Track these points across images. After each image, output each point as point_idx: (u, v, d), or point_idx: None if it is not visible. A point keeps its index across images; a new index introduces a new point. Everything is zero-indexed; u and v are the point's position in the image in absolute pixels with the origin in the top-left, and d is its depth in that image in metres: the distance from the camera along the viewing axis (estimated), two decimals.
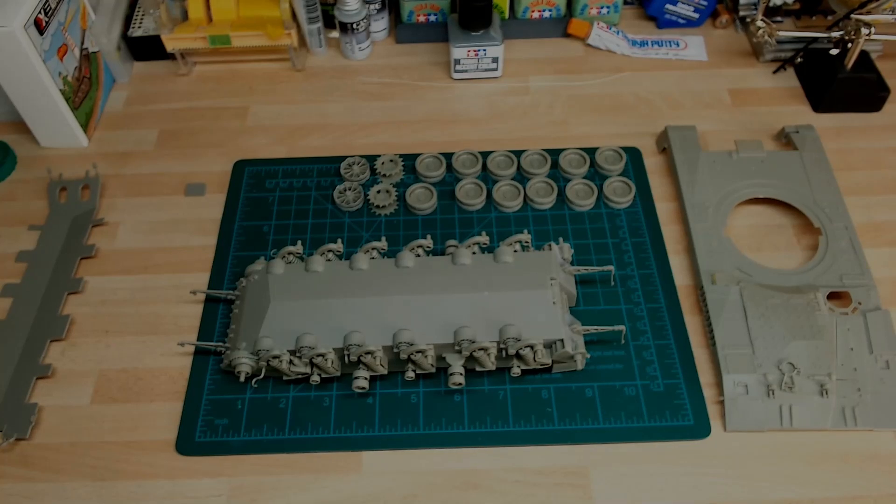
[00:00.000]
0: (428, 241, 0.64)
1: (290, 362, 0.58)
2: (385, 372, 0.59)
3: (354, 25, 0.84)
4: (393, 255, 0.66)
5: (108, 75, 0.86)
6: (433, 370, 0.59)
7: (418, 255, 0.64)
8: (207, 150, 0.80)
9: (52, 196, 0.75)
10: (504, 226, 0.71)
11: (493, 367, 0.59)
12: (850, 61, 0.77)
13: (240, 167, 0.77)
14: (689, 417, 0.58)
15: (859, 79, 0.78)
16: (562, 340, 0.57)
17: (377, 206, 0.72)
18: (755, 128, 0.80)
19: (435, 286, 0.59)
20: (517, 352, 0.57)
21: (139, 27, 0.88)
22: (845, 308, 0.63)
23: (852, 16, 0.75)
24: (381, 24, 0.90)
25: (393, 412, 0.59)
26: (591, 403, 0.59)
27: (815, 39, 0.81)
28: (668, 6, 0.89)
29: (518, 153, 0.76)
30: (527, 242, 0.65)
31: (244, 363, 0.58)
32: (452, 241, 0.66)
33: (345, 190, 0.74)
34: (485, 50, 0.83)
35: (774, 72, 0.85)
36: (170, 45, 0.84)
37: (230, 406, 0.60)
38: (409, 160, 0.76)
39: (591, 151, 0.76)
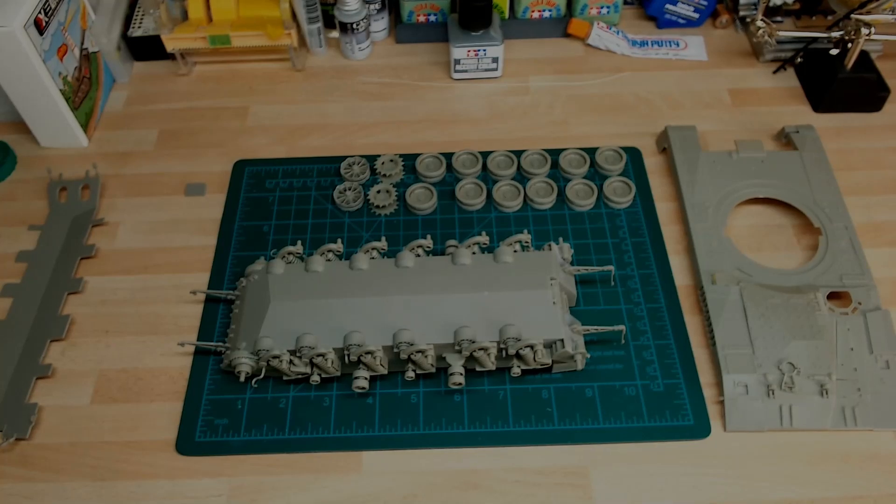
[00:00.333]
0: (428, 241, 0.64)
1: (290, 362, 0.58)
2: (385, 372, 0.59)
3: (354, 25, 0.84)
4: (393, 255, 0.66)
5: (108, 75, 0.86)
6: (433, 370, 0.59)
7: (418, 255, 0.64)
8: (207, 150, 0.80)
9: (52, 196, 0.75)
10: (504, 226, 0.71)
11: (493, 367, 0.59)
12: (850, 61, 0.77)
13: (240, 167, 0.77)
14: (689, 417, 0.58)
15: (859, 79, 0.78)
16: (562, 340, 0.57)
17: (377, 206, 0.72)
18: (755, 128, 0.80)
19: (435, 286, 0.59)
20: (517, 352, 0.57)
21: (139, 27, 0.88)
22: (845, 308, 0.63)
23: (852, 16, 0.75)
24: (381, 24, 0.90)
25: (393, 412, 0.59)
26: (591, 403, 0.59)
27: (815, 39, 0.81)
28: (668, 6, 0.89)
29: (518, 153, 0.76)
30: (527, 242, 0.65)
31: (244, 363, 0.58)
32: (452, 241, 0.66)
33: (345, 190, 0.74)
34: (485, 50, 0.83)
35: (774, 72, 0.85)
36: (170, 45, 0.84)
37: (230, 406, 0.60)
38: (409, 160, 0.76)
39: (591, 151, 0.76)
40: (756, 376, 0.59)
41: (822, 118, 0.80)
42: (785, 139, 0.77)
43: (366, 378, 0.58)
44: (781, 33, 0.81)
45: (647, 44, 0.89)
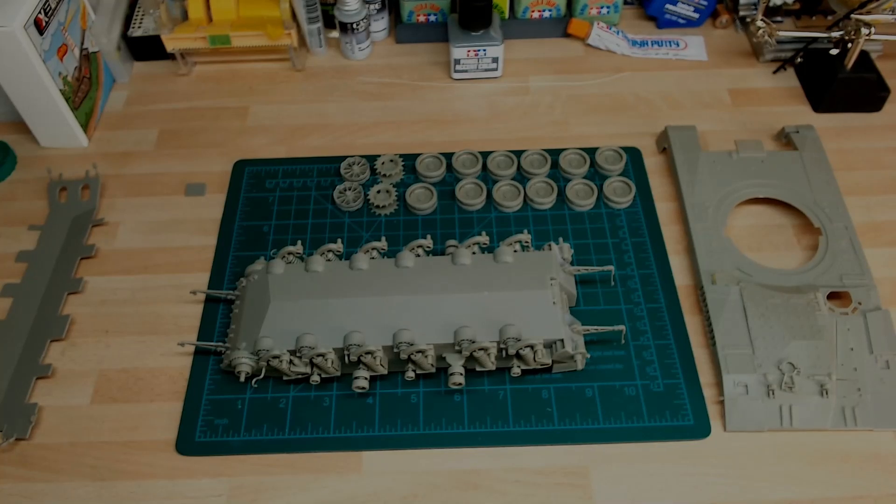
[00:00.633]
0: (428, 241, 0.64)
1: (290, 362, 0.58)
2: (385, 372, 0.59)
3: (354, 25, 0.84)
4: (393, 255, 0.66)
5: (108, 75, 0.86)
6: (433, 370, 0.59)
7: (418, 255, 0.64)
8: (207, 150, 0.80)
9: (52, 196, 0.75)
10: (504, 226, 0.71)
11: (493, 367, 0.59)
12: (850, 61, 0.77)
13: (240, 167, 0.77)
14: (689, 417, 0.58)
15: (859, 79, 0.78)
16: (562, 340, 0.57)
17: (377, 206, 0.72)
18: (755, 128, 0.80)
19: (435, 286, 0.59)
20: (517, 352, 0.57)
21: (139, 27, 0.88)
22: (845, 308, 0.63)
23: (852, 16, 0.75)
24: (381, 24, 0.90)
25: (393, 412, 0.59)
26: (591, 403, 0.59)
27: (815, 39, 0.81)
28: (668, 6, 0.89)
29: (518, 153, 0.76)
30: (527, 242, 0.65)
31: (244, 363, 0.58)
32: (452, 241, 0.66)
33: (345, 190, 0.74)
34: (485, 50, 0.83)
35: (774, 72, 0.85)
36: (170, 45, 0.84)
37: (230, 406, 0.60)
38: (409, 160, 0.76)
39: (591, 151, 0.76)
40: (756, 376, 0.59)
41: (822, 118, 0.80)
42: (785, 139, 0.77)
43: (366, 378, 0.58)
44: (781, 33, 0.81)
45: (647, 44, 0.89)
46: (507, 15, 0.89)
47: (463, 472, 0.56)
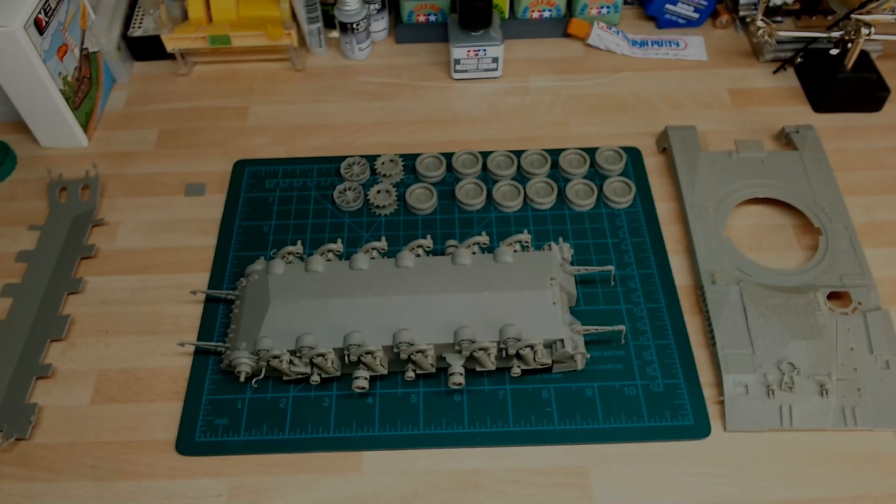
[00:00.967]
0: (428, 241, 0.64)
1: (290, 362, 0.58)
2: (385, 372, 0.59)
3: (354, 25, 0.84)
4: (393, 255, 0.66)
5: (108, 75, 0.86)
6: (433, 370, 0.59)
7: (418, 255, 0.64)
8: (207, 150, 0.80)
9: (52, 196, 0.75)
10: (504, 226, 0.71)
11: (493, 367, 0.59)
12: (850, 61, 0.77)
13: (240, 167, 0.77)
14: (689, 417, 0.58)
15: (859, 79, 0.78)
16: (562, 340, 0.57)
17: (377, 206, 0.72)
18: (755, 128, 0.80)
19: (435, 286, 0.59)
20: (517, 352, 0.57)
21: (139, 27, 0.88)
22: (845, 308, 0.63)
23: (852, 16, 0.75)
24: (381, 24, 0.90)
25: (393, 412, 0.59)
26: (591, 403, 0.59)
27: (815, 39, 0.81)
28: (668, 6, 0.89)
29: (518, 153, 0.76)
30: (527, 242, 0.65)
31: (244, 363, 0.58)
32: (452, 241, 0.66)
33: (345, 190, 0.74)
34: (485, 50, 0.83)
35: (774, 72, 0.85)
36: (170, 45, 0.84)
37: (230, 406, 0.60)
38: (409, 160, 0.76)
39: (591, 151, 0.76)
40: (756, 376, 0.59)
41: (822, 118, 0.80)
42: (785, 139, 0.77)
43: (366, 378, 0.58)
44: (781, 33, 0.81)
45: (647, 44, 0.89)
46: (507, 15, 0.89)
47: (463, 472, 0.56)
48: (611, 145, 0.76)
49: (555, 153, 0.76)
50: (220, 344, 0.62)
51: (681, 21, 0.90)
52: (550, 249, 0.63)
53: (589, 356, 0.59)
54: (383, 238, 0.66)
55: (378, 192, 0.73)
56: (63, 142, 0.80)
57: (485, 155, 0.76)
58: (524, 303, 0.58)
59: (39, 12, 0.71)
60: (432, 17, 0.89)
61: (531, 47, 0.90)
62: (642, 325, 0.64)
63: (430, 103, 0.84)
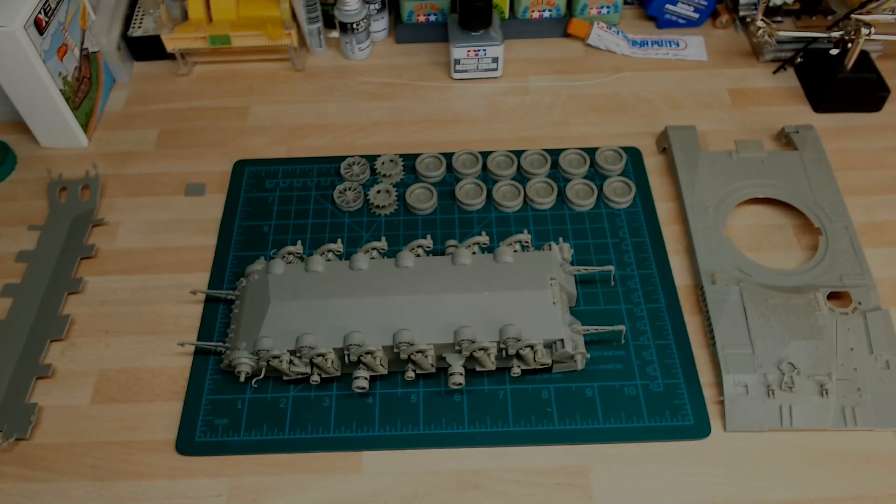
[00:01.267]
0: (428, 241, 0.64)
1: (290, 362, 0.58)
2: (385, 372, 0.59)
3: (354, 25, 0.84)
4: (393, 255, 0.66)
5: (108, 75, 0.86)
6: (433, 370, 0.59)
7: (418, 255, 0.64)
8: (207, 150, 0.80)
9: (52, 196, 0.75)
10: (504, 226, 0.71)
11: (493, 367, 0.59)
12: (850, 61, 0.77)
13: (240, 167, 0.77)
14: (689, 417, 0.58)
15: (859, 79, 0.78)
16: (562, 340, 0.57)
17: (377, 206, 0.72)
18: (755, 128, 0.80)
19: (435, 286, 0.59)
20: (517, 352, 0.57)
21: (139, 27, 0.88)
22: (845, 308, 0.63)
23: (852, 16, 0.75)
24: (381, 24, 0.90)
25: (393, 412, 0.59)
26: (591, 403, 0.59)
27: (815, 39, 0.81)
28: (668, 6, 0.89)
29: (518, 153, 0.76)
30: (527, 242, 0.65)
31: (244, 363, 0.58)
32: (452, 241, 0.66)
33: (345, 190, 0.74)
34: (485, 50, 0.83)
35: (774, 72, 0.85)
36: (170, 45, 0.84)
37: (230, 406, 0.60)
38: (409, 160, 0.76)
39: (591, 151, 0.76)
40: (756, 376, 0.59)
41: (822, 118, 0.80)
42: (785, 139, 0.77)
43: (366, 378, 0.58)
44: (781, 33, 0.81)
45: (647, 44, 0.89)
46: (507, 15, 0.89)
47: (463, 472, 0.56)
48: (611, 145, 0.76)
49: (555, 153, 0.76)
50: (220, 344, 0.62)
51: (681, 21, 0.90)
52: (550, 249, 0.63)
53: (589, 356, 0.59)
54: (383, 238, 0.66)
55: (378, 192, 0.73)
56: (63, 142, 0.80)
57: (485, 155, 0.76)
58: (524, 303, 0.58)
59: (39, 12, 0.71)
60: (432, 17, 0.89)
61: (531, 47, 0.90)
62: (642, 325, 0.64)
63: (430, 103, 0.84)
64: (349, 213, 0.73)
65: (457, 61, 0.84)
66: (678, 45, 0.88)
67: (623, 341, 0.63)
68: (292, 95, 0.85)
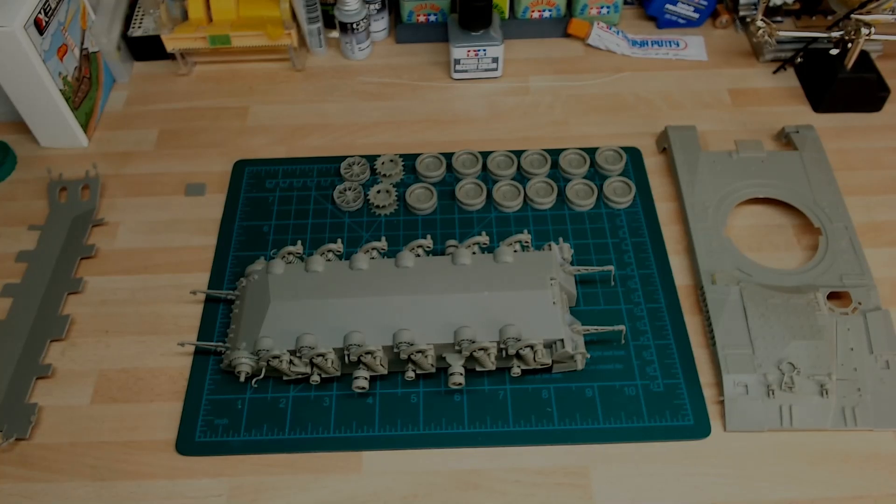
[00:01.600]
0: (428, 241, 0.64)
1: (290, 362, 0.58)
2: (385, 372, 0.59)
3: (354, 25, 0.84)
4: (393, 255, 0.66)
5: (108, 75, 0.86)
6: (433, 370, 0.59)
7: (418, 255, 0.64)
8: (207, 150, 0.80)
9: (52, 196, 0.75)
10: (504, 226, 0.71)
11: (493, 367, 0.59)
12: (850, 61, 0.77)
13: (240, 167, 0.77)
14: (689, 417, 0.58)
15: (859, 79, 0.78)
16: (562, 340, 0.57)
17: (377, 206, 0.72)
18: (755, 128, 0.80)
19: (435, 286, 0.59)
20: (517, 352, 0.57)
21: (139, 27, 0.88)
22: (845, 308, 0.63)
23: (852, 16, 0.75)
24: (381, 24, 0.90)
25: (393, 412, 0.59)
26: (591, 403, 0.59)
27: (815, 39, 0.81)
28: (668, 6, 0.89)
29: (518, 153, 0.76)
30: (527, 242, 0.65)
31: (244, 363, 0.58)
32: (452, 241, 0.66)
33: (345, 190, 0.74)
34: (485, 50, 0.83)
35: (774, 72, 0.85)
36: (170, 45, 0.84)
37: (230, 406, 0.60)
38: (409, 160, 0.76)
39: (591, 151, 0.76)
40: (756, 376, 0.59)
41: (822, 118, 0.80)
42: (785, 139, 0.77)
43: (366, 378, 0.58)
44: (781, 33, 0.81)
45: (647, 44, 0.89)
46: (507, 15, 0.89)
47: (463, 472, 0.56)
48: (611, 145, 0.76)
49: (555, 153, 0.76)
50: (220, 344, 0.62)
51: (681, 21, 0.90)
52: (550, 249, 0.63)
53: (589, 356, 0.59)
54: (383, 238, 0.66)
55: (378, 192, 0.73)
56: (63, 142, 0.80)
57: (485, 155, 0.76)
58: (524, 303, 0.58)
59: (39, 12, 0.71)
60: (432, 17, 0.89)
61: (531, 47, 0.90)
62: (642, 325, 0.64)
63: (430, 103, 0.84)
64: (349, 213, 0.73)
65: (457, 61, 0.84)
66: (678, 45, 0.88)
67: (623, 341, 0.63)
68: (292, 95, 0.85)
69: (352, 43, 0.87)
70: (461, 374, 0.57)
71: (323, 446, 0.58)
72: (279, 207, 0.73)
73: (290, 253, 0.65)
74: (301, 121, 0.82)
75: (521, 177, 0.75)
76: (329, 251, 0.64)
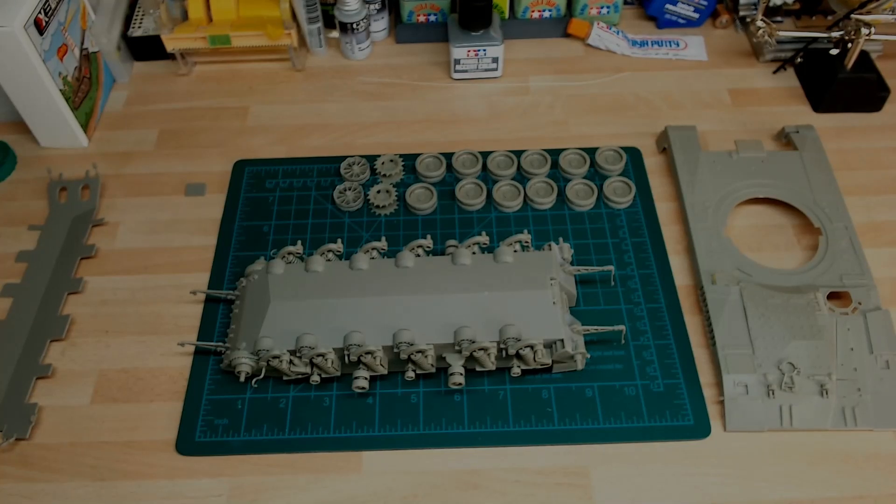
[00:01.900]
0: (428, 241, 0.64)
1: (290, 362, 0.58)
2: (385, 372, 0.59)
3: (354, 25, 0.84)
4: (393, 255, 0.66)
5: (108, 75, 0.86)
6: (433, 370, 0.59)
7: (418, 255, 0.64)
8: (207, 150, 0.80)
9: (52, 196, 0.75)
10: (504, 226, 0.71)
11: (493, 367, 0.59)
12: (850, 61, 0.77)
13: (240, 167, 0.77)
14: (689, 417, 0.58)
15: (859, 79, 0.78)
16: (562, 340, 0.57)
17: (377, 206, 0.72)
18: (755, 128, 0.80)
19: (435, 286, 0.59)
20: (517, 352, 0.57)
21: (139, 27, 0.88)
22: (845, 308, 0.63)
23: (852, 16, 0.75)
24: (381, 24, 0.90)
25: (393, 412, 0.59)
26: (591, 403, 0.59)
27: (815, 39, 0.81)
28: (668, 6, 0.89)
29: (518, 153, 0.76)
30: (527, 242, 0.65)
31: (244, 363, 0.58)
32: (452, 241, 0.66)
33: (345, 190, 0.74)
34: (485, 50, 0.83)
35: (774, 72, 0.85)
36: (170, 45, 0.84)
37: (230, 406, 0.60)
38: (409, 160, 0.76)
39: (591, 151, 0.76)
40: (756, 376, 0.59)
41: (822, 118, 0.80)
42: (785, 139, 0.77)
43: (366, 378, 0.58)
44: (781, 33, 0.81)
45: (647, 44, 0.89)
46: (507, 15, 0.89)
47: (463, 472, 0.56)
48: (611, 145, 0.76)
49: (555, 153, 0.76)
50: (220, 344, 0.62)
51: (681, 21, 0.90)
52: (550, 249, 0.63)
53: (589, 356, 0.59)
54: (383, 238, 0.66)
55: (378, 192, 0.73)
56: (63, 142, 0.80)
57: (485, 155, 0.76)
58: (524, 303, 0.58)
59: (39, 12, 0.71)
60: (432, 17, 0.89)
61: (531, 47, 0.90)
62: (642, 325, 0.64)
63: (430, 103, 0.84)
64: (349, 213, 0.73)
65: (457, 61, 0.84)
66: (678, 45, 0.88)
67: (623, 341, 0.63)
68: (292, 95, 0.85)
69: (352, 43, 0.87)
70: (461, 374, 0.57)
71: (323, 446, 0.58)
72: (279, 207, 0.73)
73: (290, 253, 0.65)
74: (301, 121, 0.82)
75: (521, 177, 0.75)
76: (329, 251, 0.64)
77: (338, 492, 0.56)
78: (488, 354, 0.57)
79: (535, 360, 0.58)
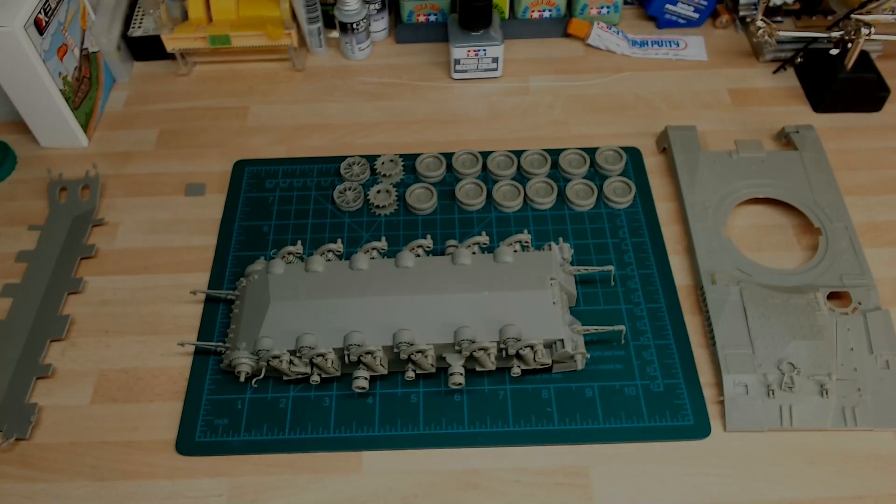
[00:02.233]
0: (428, 241, 0.64)
1: (290, 362, 0.58)
2: (385, 372, 0.59)
3: (354, 25, 0.84)
4: (393, 255, 0.66)
5: (108, 75, 0.86)
6: (433, 370, 0.59)
7: (418, 255, 0.64)
8: (207, 150, 0.80)
9: (52, 196, 0.75)
10: (504, 226, 0.71)
11: (493, 367, 0.59)
12: (850, 61, 0.77)
13: (240, 167, 0.77)
14: (689, 417, 0.58)
15: (859, 79, 0.78)
16: (562, 340, 0.57)
17: (377, 206, 0.72)
18: (755, 128, 0.80)
19: (435, 286, 0.59)
20: (517, 352, 0.57)
21: (139, 27, 0.88)
22: (845, 308, 0.63)
23: (852, 16, 0.75)
24: (381, 24, 0.90)
25: (393, 412, 0.59)
26: (591, 403, 0.59)
27: (815, 39, 0.81)
28: (668, 6, 0.89)
29: (518, 153, 0.76)
30: (527, 242, 0.65)
31: (244, 363, 0.58)
32: (452, 241, 0.66)
33: (345, 190, 0.74)
34: (485, 50, 0.83)
35: (774, 72, 0.85)
36: (170, 45, 0.84)
37: (230, 406, 0.60)
38: (409, 160, 0.76)
39: (591, 151, 0.76)
40: (756, 376, 0.59)
41: (822, 118, 0.80)
42: (785, 139, 0.77)
43: (366, 378, 0.58)
44: (781, 33, 0.81)
45: (647, 44, 0.89)
46: (507, 15, 0.89)
47: (463, 472, 0.56)
48: (611, 145, 0.76)
49: (555, 153, 0.76)
50: (220, 344, 0.62)
51: (681, 21, 0.90)
52: (550, 249, 0.63)
53: (589, 356, 0.59)
54: (383, 238, 0.66)
55: (378, 192, 0.73)
56: (63, 142, 0.80)
57: (485, 155, 0.76)
58: (524, 303, 0.58)
59: (39, 12, 0.71)
60: (432, 17, 0.89)
61: (531, 47, 0.90)
62: (642, 325, 0.64)
63: (430, 103, 0.84)
64: (349, 213, 0.73)
65: (457, 61, 0.84)
66: (678, 45, 0.88)
67: (623, 341, 0.63)
68: (292, 95, 0.85)
69: (352, 43, 0.87)
70: (461, 374, 0.57)
71: (323, 446, 0.58)
72: (279, 207, 0.73)
73: (290, 253, 0.65)
74: (301, 121, 0.82)
75: (521, 177, 0.75)
76: (329, 251, 0.64)
77: (338, 492, 0.56)
78: (488, 354, 0.57)
79: (535, 360, 0.58)
